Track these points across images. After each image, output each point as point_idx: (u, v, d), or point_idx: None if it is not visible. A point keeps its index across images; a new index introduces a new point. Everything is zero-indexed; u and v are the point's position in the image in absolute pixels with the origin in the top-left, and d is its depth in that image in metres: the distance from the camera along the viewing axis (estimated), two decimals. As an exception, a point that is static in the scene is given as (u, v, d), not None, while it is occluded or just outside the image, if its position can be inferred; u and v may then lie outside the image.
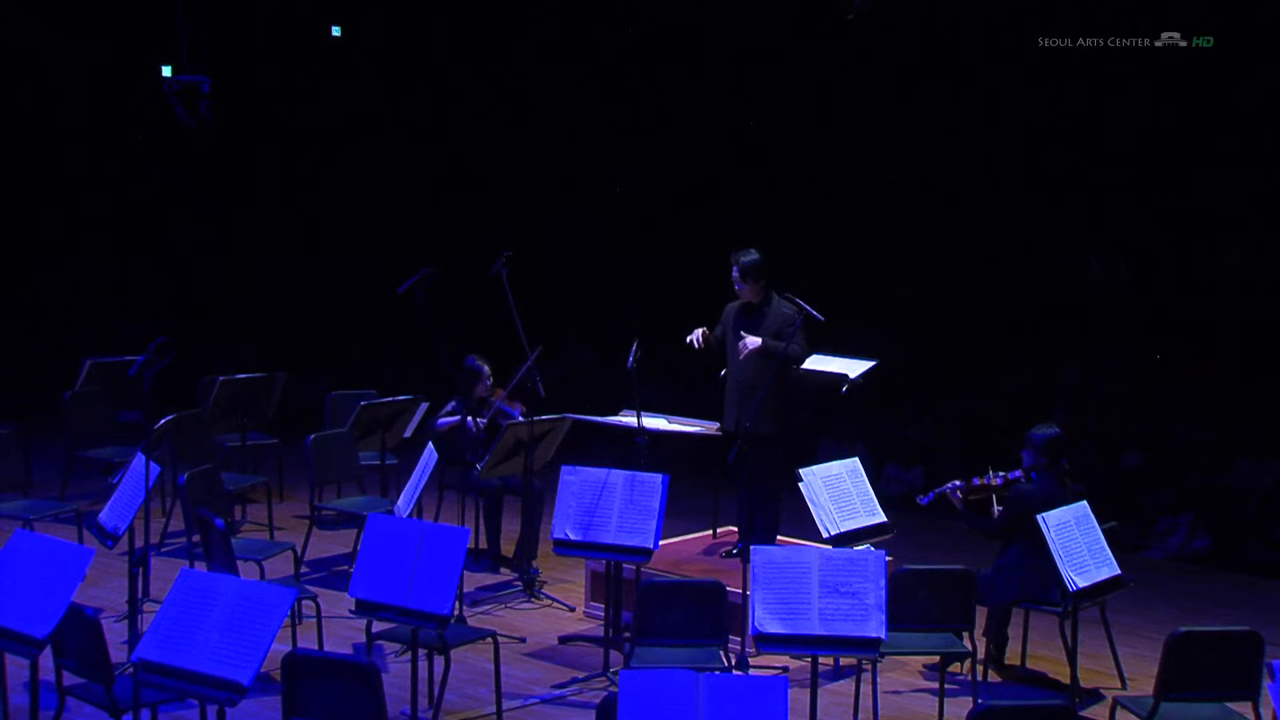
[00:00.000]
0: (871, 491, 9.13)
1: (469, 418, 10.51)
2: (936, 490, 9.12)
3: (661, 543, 8.83)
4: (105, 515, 8.66)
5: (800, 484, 8.86)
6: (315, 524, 10.91)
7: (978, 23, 14.69)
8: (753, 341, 9.58)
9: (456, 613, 9.17)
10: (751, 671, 8.53)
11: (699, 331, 9.94)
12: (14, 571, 7.00)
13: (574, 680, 8.81)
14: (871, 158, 15.58)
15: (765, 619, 7.17)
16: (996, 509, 9.04)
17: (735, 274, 9.76)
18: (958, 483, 9.06)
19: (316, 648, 8.77)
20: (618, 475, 8.72)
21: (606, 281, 16.58)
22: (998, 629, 8.90)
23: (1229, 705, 7.35)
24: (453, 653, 7.95)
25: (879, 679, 8.40)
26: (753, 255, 9.71)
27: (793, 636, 7.18)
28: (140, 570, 9.02)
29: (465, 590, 9.50)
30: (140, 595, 8.93)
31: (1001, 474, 9.02)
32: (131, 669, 6.72)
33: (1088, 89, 14.50)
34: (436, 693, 8.14)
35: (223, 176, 17.49)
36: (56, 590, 6.86)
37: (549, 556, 9.74)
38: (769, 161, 16.11)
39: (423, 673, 8.08)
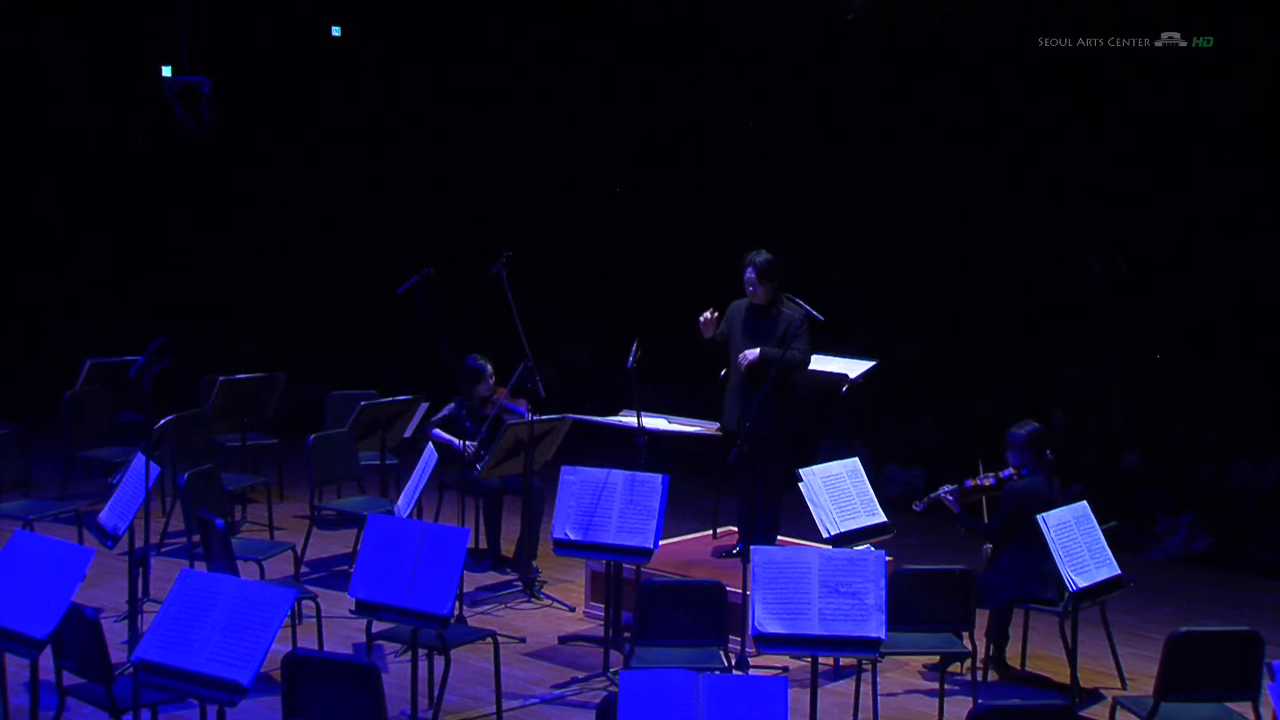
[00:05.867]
0: (871, 491, 9.13)
1: (463, 442, 10.50)
2: (931, 496, 9.10)
3: (661, 543, 8.82)
4: (105, 515, 8.65)
5: (800, 484, 8.86)
6: (315, 524, 10.91)
7: (978, 23, 14.69)
8: (751, 354, 9.56)
9: (456, 613, 9.17)
10: (751, 671, 8.53)
11: (710, 312, 9.77)
12: (14, 572, 7.00)
13: (574, 680, 8.81)
14: (871, 158, 15.58)
15: (765, 619, 7.17)
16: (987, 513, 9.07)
17: (750, 275, 9.61)
18: (951, 487, 9.05)
19: (316, 648, 8.77)
20: (618, 475, 8.71)
21: (606, 281, 16.58)
22: (998, 629, 8.90)
23: (1229, 705, 7.35)
24: (453, 653, 7.95)
25: (879, 679, 8.40)
26: (766, 256, 9.59)
27: (793, 636, 7.18)
28: (140, 570, 9.01)
29: (465, 590, 9.50)
30: (140, 595, 8.93)
31: (993, 474, 9.02)
32: (131, 669, 6.72)
33: (1088, 89, 14.50)
34: (436, 693, 8.14)
35: (223, 176, 17.50)
36: (56, 590, 6.86)
37: (549, 556, 9.74)
38: (769, 161, 16.11)
39: (423, 673, 8.08)
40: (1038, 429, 8.92)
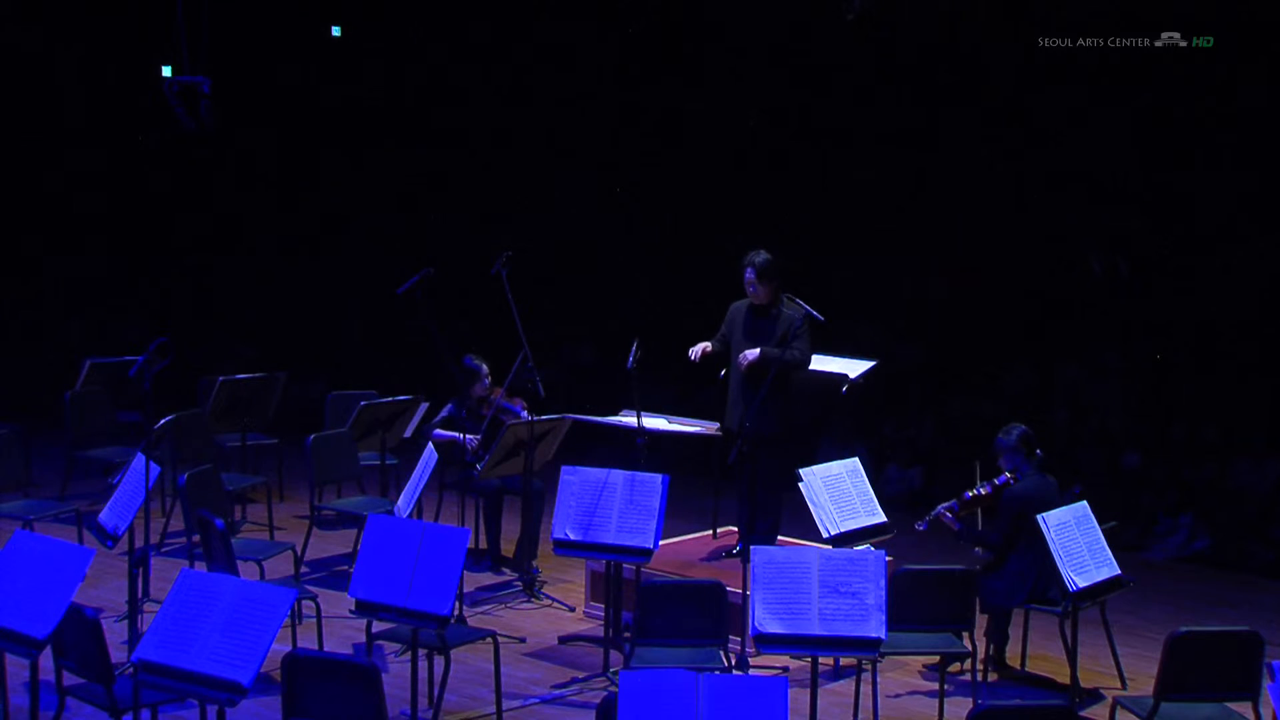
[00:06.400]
0: (871, 491, 9.13)
1: (464, 435, 10.49)
2: (930, 516, 9.06)
3: (661, 543, 8.83)
4: (105, 515, 8.65)
5: (800, 484, 8.86)
6: (315, 524, 10.91)
7: (978, 23, 14.70)
8: (751, 354, 9.56)
9: (456, 613, 9.18)
10: (751, 671, 8.53)
11: (701, 345, 9.86)
12: (14, 572, 7.00)
13: (574, 680, 8.81)
14: (871, 157, 15.57)
15: (765, 619, 7.17)
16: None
17: (750, 275, 9.61)
18: (949, 503, 9.03)
19: (316, 648, 8.77)
20: (618, 475, 8.71)
21: (607, 281, 16.58)
22: (998, 629, 8.89)
23: (1229, 705, 7.35)
24: (453, 653, 7.95)
25: (879, 679, 8.40)
26: (765, 256, 9.60)
27: (793, 636, 7.18)
28: (140, 570, 9.02)
29: (465, 590, 9.50)
30: (140, 595, 8.93)
31: (989, 483, 9.00)
32: (131, 669, 6.72)
33: (1088, 89, 14.50)
34: (436, 693, 8.14)
35: (223, 176, 17.50)
36: (56, 590, 6.86)
37: (549, 556, 9.74)
38: (769, 161, 16.10)
39: (423, 673, 8.08)
40: (1025, 430, 8.92)
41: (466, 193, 17.38)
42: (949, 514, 8.98)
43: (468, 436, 10.47)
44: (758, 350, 9.55)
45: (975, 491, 8.99)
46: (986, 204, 15.12)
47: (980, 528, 9.03)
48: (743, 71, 16.07)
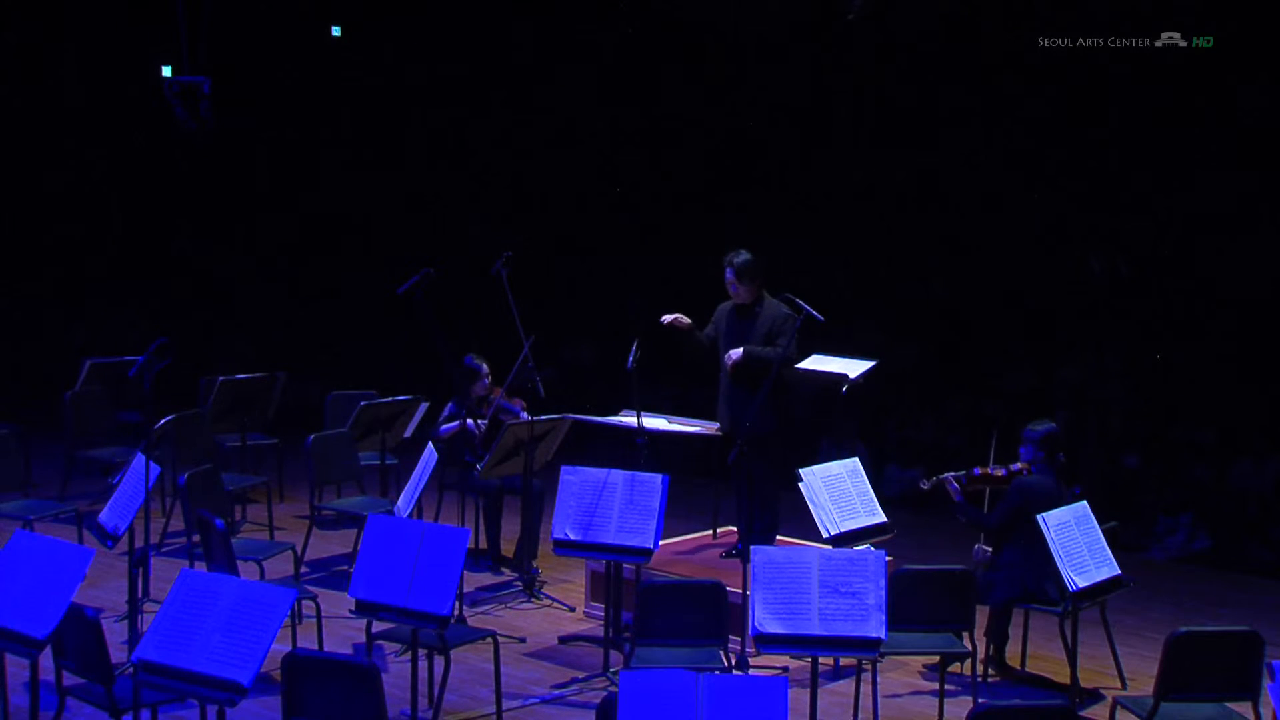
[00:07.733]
0: (871, 491, 9.13)
1: (469, 420, 10.49)
2: (938, 477, 9.05)
3: (661, 543, 8.83)
4: (105, 515, 8.65)
5: (800, 484, 8.85)
6: (315, 524, 10.91)
7: (978, 23, 14.70)
8: (735, 354, 9.60)
9: (456, 613, 9.18)
10: (751, 671, 8.53)
11: (675, 315, 9.86)
12: (14, 572, 7.00)
13: (574, 680, 8.81)
14: (871, 158, 15.58)
15: (765, 619, 7.17)
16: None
17: (730, 275, 9.72)
18: (959, 473, 9.03)
19: (316, 648, 8.77)
20: (618, 475, 8.71)
21: (606, 281, 16.58)
22: (998, 629, 8.90)
23: (1229, 705, 7.35)
24: (453, 653, 7.95)
25: (879, 679, 8.40)
26: (745, 256, 9.69)
27: (793, 636, 7.17)
28: (140, 570, 9.02)
29: (465, 590, 9.50)
30: (140, 595, 8.93)
31: (1003, 466, 9.00)
32: (131, 669, 6.72)
33: (1088, 89, 14.50)
34: (436, 693, 8.13)
35: (223, 176, 17.50)
36: (56, 590, 6.86)
37: (549, 556, 9.74)
38: (769, 161, 16.11)
39: (423, 673, 8.08)
40: (1054, 430, 8.90)
41: (467, 193, 17.38)
42: (955, 483, 8.98)
43: (470, 421, 10.46)
44: (740, 350, 9.60)
45: (988, 470, 8.99)
46: (986, 204, 15.12)
47: (985, 509, 9.04)
48: (743, 72, 16.06)
